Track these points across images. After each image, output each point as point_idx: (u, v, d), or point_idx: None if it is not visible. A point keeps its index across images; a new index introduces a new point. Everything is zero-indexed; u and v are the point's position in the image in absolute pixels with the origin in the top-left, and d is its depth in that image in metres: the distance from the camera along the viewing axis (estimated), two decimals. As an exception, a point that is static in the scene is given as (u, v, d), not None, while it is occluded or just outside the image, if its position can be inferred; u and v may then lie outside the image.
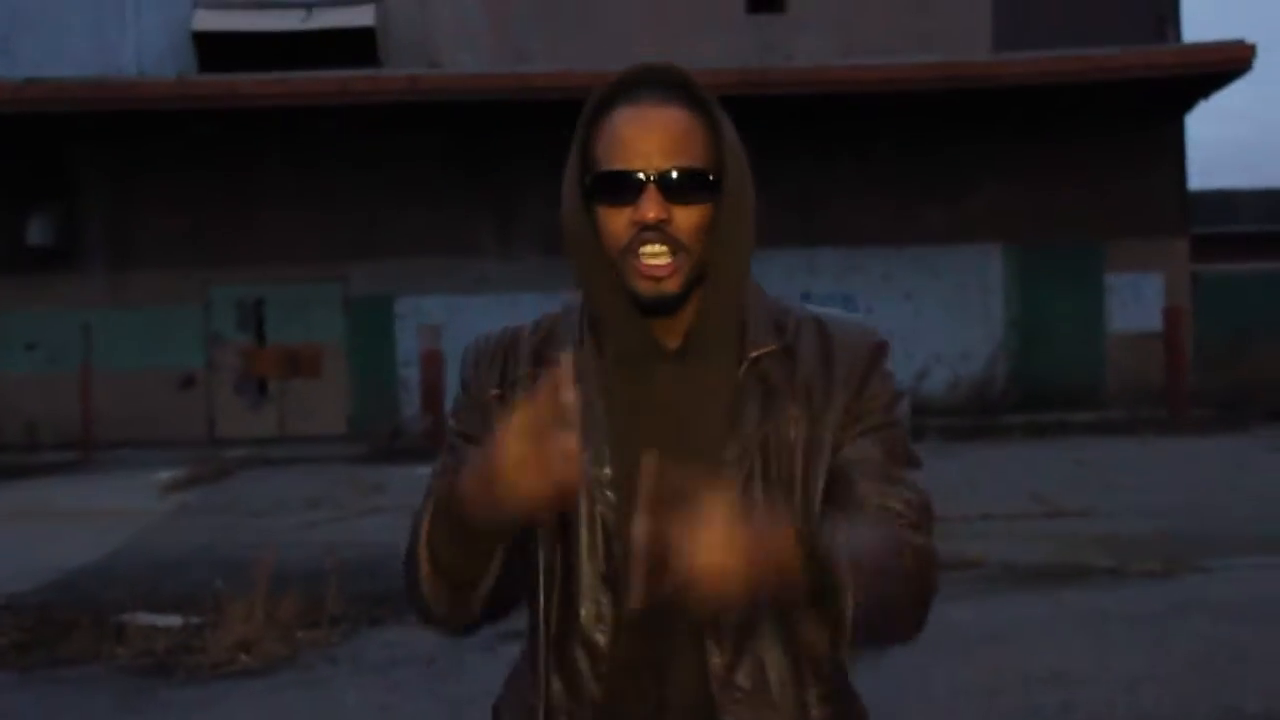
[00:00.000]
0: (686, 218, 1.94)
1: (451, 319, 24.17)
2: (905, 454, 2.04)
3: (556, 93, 22.96)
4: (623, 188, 1.94)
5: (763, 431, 1.98)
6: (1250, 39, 25.31)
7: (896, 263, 24.84)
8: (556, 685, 2.02)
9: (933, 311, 24.92)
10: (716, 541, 1.68)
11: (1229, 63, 22.92)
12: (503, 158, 24.57)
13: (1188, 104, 25.02)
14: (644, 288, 1.94)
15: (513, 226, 24.74)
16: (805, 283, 24.16)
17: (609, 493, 1.98)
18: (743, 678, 1.97)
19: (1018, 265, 24.98)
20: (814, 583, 1.80)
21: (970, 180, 24.82)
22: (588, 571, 1.99)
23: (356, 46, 24.97)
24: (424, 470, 14.46)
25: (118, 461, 20.75)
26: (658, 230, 1.93)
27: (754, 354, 2.01)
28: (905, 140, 24.68)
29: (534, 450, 1.68)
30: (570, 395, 1.67)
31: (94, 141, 24.38)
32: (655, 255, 1.93)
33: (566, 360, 1.71)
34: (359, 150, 24.50)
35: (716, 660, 1.97)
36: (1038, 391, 24.21)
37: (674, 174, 1.93)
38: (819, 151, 24.46)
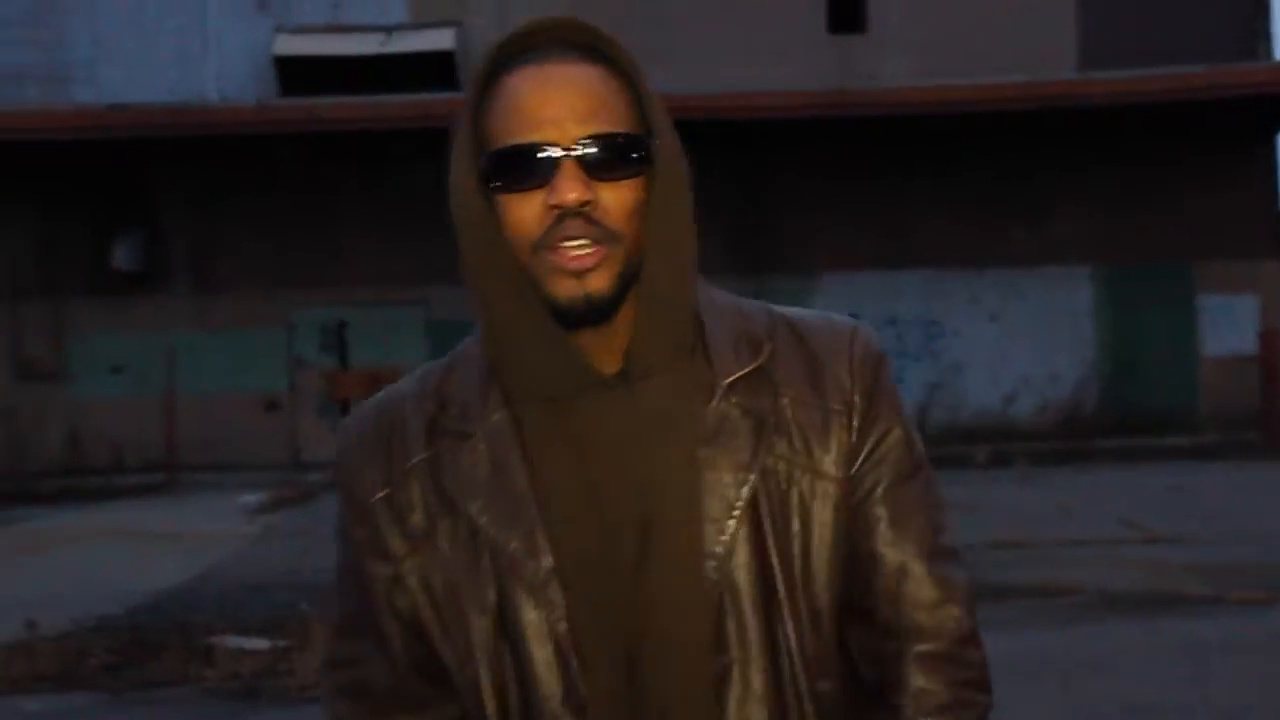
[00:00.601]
0: (616, 198, 1.52)
1: (532, 342, 24.17)
2: (939, 510, 1.66)
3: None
4: (531, 166, 1.51)
5: (750, 474, 1.57)
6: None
7: (981, 285, 24.59)
8: None
9: (1020, 335, 24.64)
10: None
11: (1322, 81, 22.60)
12: (583, 181, 24.54)
13: (1279, 123, 24.65)
14: (565, 289, 1.51)
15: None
16: (890, 306, 23.99)
17: (552, 593, 1.55)
18: None
19: (1106, 287, 24.66)
20: None
21: (1056, 201, 24.55)
22: (550, 699, 1.56)
23: (437, 70, 25.06)
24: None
25: (202, 484, 20.88)
26: (580, 216, 1.50)
27: (726, 380, 1.58)
28: (990, 161, 24.45)
29: None
30: None
31: (177, 166, 24.60)
32: (578, 246, 1.51)
33: None
34: (439, 173, 24.43)
35: None
36: (1129, 416, 23.86)
37: (596, 143, 1.51)
38: (902, 173, 24.28)
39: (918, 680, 1.59)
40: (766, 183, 24.38)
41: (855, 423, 1.61)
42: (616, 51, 1.58)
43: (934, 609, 1.60)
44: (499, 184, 1.55)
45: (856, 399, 1.62)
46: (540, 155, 1.51)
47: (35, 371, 24.46)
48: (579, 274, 1.51)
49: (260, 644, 8.43)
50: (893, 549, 1.61)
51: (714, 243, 25.96)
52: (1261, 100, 23.32)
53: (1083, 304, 24.80)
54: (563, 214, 1.50)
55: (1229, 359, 24.28)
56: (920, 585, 1.60)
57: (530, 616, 1.55)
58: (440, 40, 25.25)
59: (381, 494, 1.64)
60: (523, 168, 1.52)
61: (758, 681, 1.57)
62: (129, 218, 24.45)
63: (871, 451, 1.61)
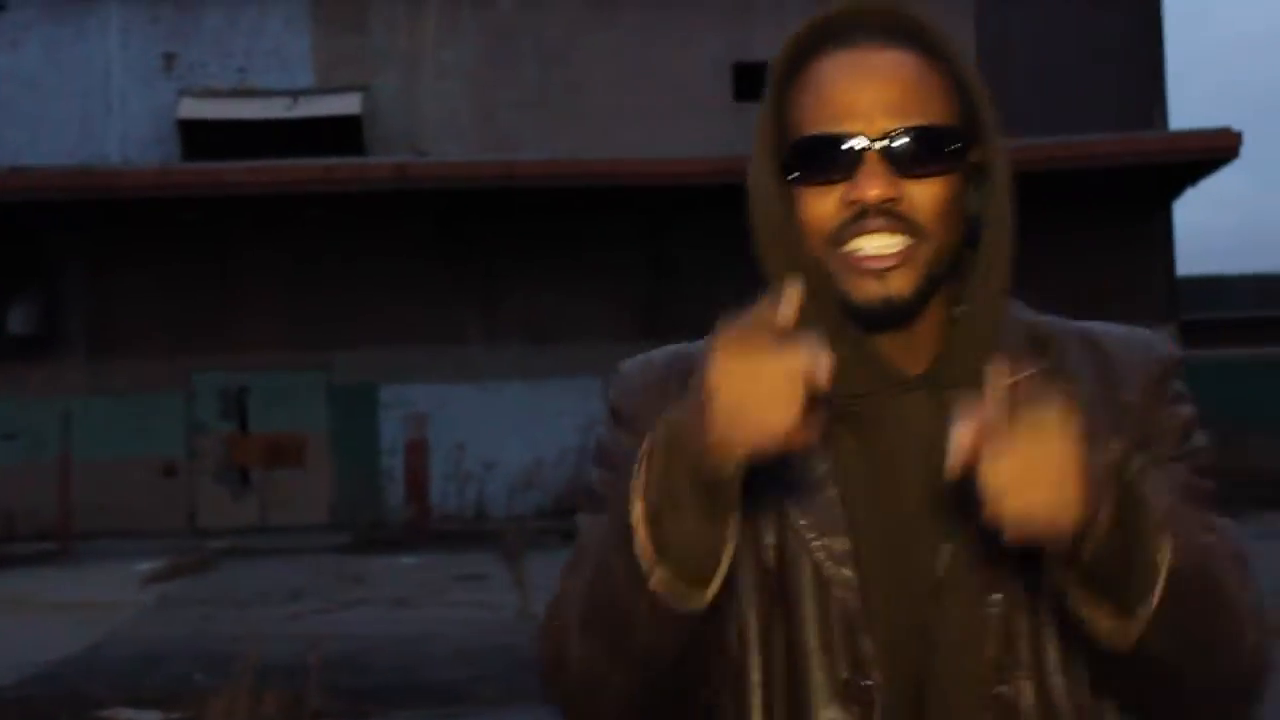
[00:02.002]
0: (924, 196, 1.43)
1: (436, 408, 24.07)
2: (1208, 493, 1.50)
3: (543, 180, 23.03)
4: (833, 157, 1.42)
5: None
6: (1244, 125, 25.40)
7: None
8: None
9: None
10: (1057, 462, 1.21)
11: (1216, 150, 23.04)
12: (488, 247, 24.56)
13: (1176, 190, 25.12)
14: (863, 289, 1.42)
15: (498, 315, 24.67)
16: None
17: (846, 570, 1.46)
18: None
19: (1005, 352, 24.96)
20: (1120, 528, 1.28)
21: (957, 267, 24.84)
22: (819, 679, 1.45)
23: (342, 135, 25.02)
24: (409, 559, 14.36)
25: (97, 552, 20.51)
26: (884, 212, 1.41)
27: (1012, 379, 1.31)
28: (891, 227, 24.72)
29: (753, 371, 1.25)
30: (790, 312, 1.24)
31: (77, 229, 24.31)
32: (879, 245, 1.42)
33: (792, 290, 1.25)
34: (344, 238, 24.47)
35: None
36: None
37: (906, 135, 1.42)
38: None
39: None
40: (671, 248, 24.48)
41: (1138, 417, 1.50)
42: (939, 38, 1.47)
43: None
44: (798, 175, 1.45)
45: (1145, 396, 1.52)
46: (844, 146, 1.42)
47: (-73, 437, 24.00)
48: (879, 273, 1.42)
49: (154, 716, 8.28)
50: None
51: (618, 308, 26.06)
52: (1157, 169, 23.75)
53: (984, 369, 25.08)
54: (864, 209, 1.41)
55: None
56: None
57: (815, 594, 1.46)
58: (346, 105, 25.21)
59: None
60: (824, 159, 1.43)
61: (1036, 699, 1.44)
62: (26, 280, 24.11)
63: (1149, 441, 1.48)
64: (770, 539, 1.48)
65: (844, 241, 1.42)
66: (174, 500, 24.30)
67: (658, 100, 25.51)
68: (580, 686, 1.49)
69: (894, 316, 1.45)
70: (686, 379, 1.38)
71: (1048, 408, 1.23)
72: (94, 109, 25.51)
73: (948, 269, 1.47)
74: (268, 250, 24.49)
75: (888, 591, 1.46)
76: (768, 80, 1.51)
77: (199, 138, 24.97)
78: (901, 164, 1.41)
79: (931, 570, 1.45)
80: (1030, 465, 1.21)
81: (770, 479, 1.40)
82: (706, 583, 1.35)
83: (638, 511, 1.34)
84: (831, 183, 1.42)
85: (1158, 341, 1.59)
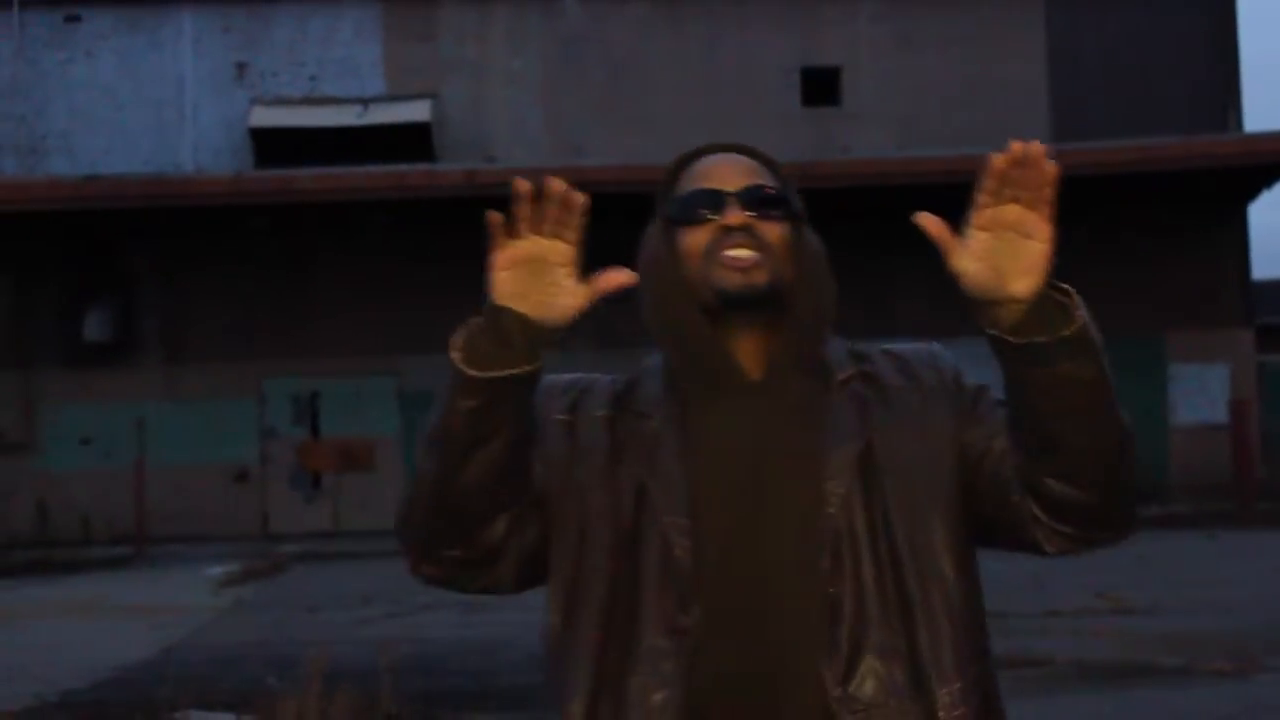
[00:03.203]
0: (769, 229, 2.04)
1: (506, 412, 24.13)
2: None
3: (612, 186, 23.01)
4: (707, 204, 2.04)
5: (862, 442, 2.03)
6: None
7: (955, 355, 24.57)
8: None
9: (991, 404, 24.67)
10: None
11: (1291, 152, 22.78)
12: (557, 251, 24.61)
13: (1251, 193, 24.84)
14: (731, 280, 2.01)
15: (567, 320, 24.71)
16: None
17: (685, 539, 1.99)
18: (861, 689, 1.94)
19: (1077, 357, 24.75)
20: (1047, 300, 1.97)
21: (1027, 272, 24.65)
22: (650, 614, 2.00)
23: (413, 142, 25.16)
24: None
25: (171, 556, 20.72)
26: (743, 231, 2.02)
27: (842, 376, 2.08)
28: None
29: (532, 280, 1.99)
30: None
31: (151, 237, 24.58)
32: (741, 250, 2.01)
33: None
34: (414, 244, 24.60)
35: (829, 674, 1.93)
36: (1100, 485, 23.83)
37: (755, 189, 2.05)
38: (877, 246, 24.38)
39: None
40: (740, 253, 24.47)
41: (951, 392, 2.12)
42: (769, 158, 2.13)
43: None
44: (680, 220, 2.07)
45: (946, 382, 2.13)
46: (713, 194, 2.05)
47: (4, 443, 24.31)
48: (743, 269, 2.00)
49: (226, 719, 8.34)
50: (995, 456, 2.05)
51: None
52: (1231, 172, 23.50)
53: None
54: (729, 230, 2.02)
55: (1200, 428, 24.34)
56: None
57: (652, 546, 2.00)
58: (417, 112, 25.37)
59: (561, 417, 2.12)
60: (699, 205, 2.05)
61: (874, 611, 1.97)
62: (102, 288, 24.41)
63: (972, 406, 2.10)
64: (629, 506, 2.02)
65: (715, 253, 2.02)
66: (246, 505, 24.51)
67: (725, 106, 25.48)
68: (415, 498, 2.08)
69: (753, 300, 2.01)
70: (592, 387, 2.14)
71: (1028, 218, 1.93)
72: (168, 118, 25.79)
73: (785, 288, 2.03)
74: (338, 256, 24.66)
75: (724, 547, 1.98)
76: (660, 182, 2.15)
77: (271, 145, 25.19)
78: (753, 206, 2.04)
79: (766, 524, 1.98)
80: (1004, 245, 1.96)
81: (634, 458, 2.03)
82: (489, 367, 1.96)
83: (455, 342, 2.02)
84: (706, 222, 2.04)
85: (939, 348, 2.22)
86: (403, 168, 23.43)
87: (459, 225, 24.62)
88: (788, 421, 2.02)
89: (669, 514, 2.00)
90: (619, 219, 25.29)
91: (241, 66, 25.86)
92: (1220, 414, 23.68)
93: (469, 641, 11.79)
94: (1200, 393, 24.60)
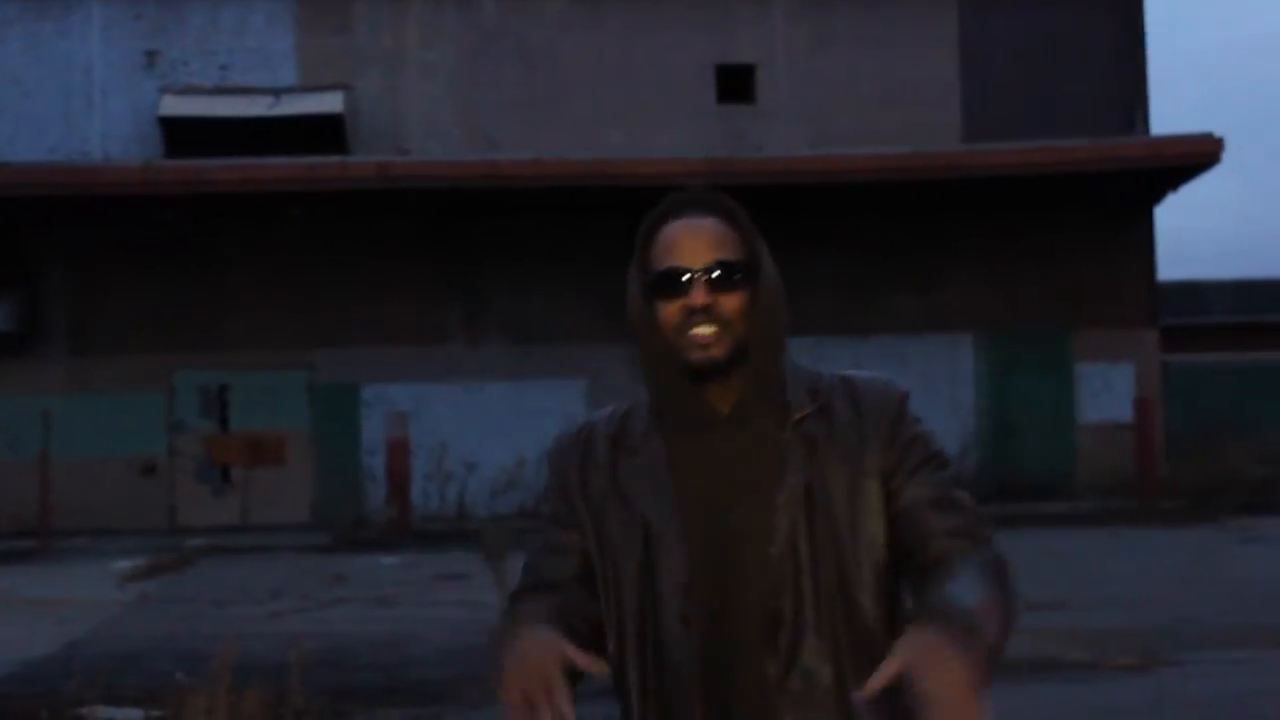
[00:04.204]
0: (728, 302, 2.35)
1: (418, 407, 24.05)
2: (948, 475, 2.42)
3: (526, 180, 23.02)
4: (676, 282, 2.36)
5: (806, 479, 2.35)
6: (1227, 131, 25.47)
7: (865, 352, 24.76)
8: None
9: (902, 401, 24.81)
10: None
11: (1197, 156, 23.10)
12: (471, 245, 24.55)
13: (1157, 196, 25.19)
14: (696, 356, 2.35)
15: (481, 314, 24.67)
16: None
17: (678, 552, 2.37)
18: (793, 684, 2.33)
19: (988, 355, 25.01)
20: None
21: (940, 270, 24.89)
22: (668, 616, 2.40)
23: (325, 133, 24.97)
24: (389, 560, 14.33)
25: (77, 550, 20.46)
26: (705, 312, 2.34)
27: (796, 416, 2.39)
28: (874, 231, 24.76)
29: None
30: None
31: (58, 226, 24.25)
32: (704, 331, 2.34)
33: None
34: (326, 237, 24.44)
35: (771, 671, 2.34)
36: (1008, 482, 24.11)
37: (715, 268, 2.35)
38: (788, 242, 24.47)
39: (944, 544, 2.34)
40: (654, 249, 24.47)
41: (887, 435, 2.40)
42: (732, 209, 2.43)
43: (966, 538, 2.35)
44: (655, 294, 2.39)
45: (885, 424, 2.40)
46: (681, 277, 2.36)
47: (-93, 434, 23.90)
48: (705, 346, 2.34)
49: (133, 715, 8.26)
50: (931, 514, 2.36)
51: (601, 308, 25.99)
52: (1140, 174, 23.82)
53: (964, 371, 25.12)
54: (693, 311, 2.34)
55: (1105, 427, 24.67)
56: (937, 515, 2.36)
57: (664, 565, 2.38)
58: (329, 103, 25.17)
59: (577, 480, 2.50)
60: (670, 284, 2.37)
61: (810, 621, 2.34)
62: (7, 278, 24.04)
63: (901, 453, 2.39)
64: (640, 541, 2.41)
65: (684, 330, 2.35)
66: (154, 498, 24.25)
67: (641, 101, 25.51)
68: None
69: (715, 369, 2.36)
70: (593, 443, 2.51)
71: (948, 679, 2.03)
72: (76, 106, 25.43)
73: (744, 344, 2.37)
74: (249, 248, 24.45)
75: (706, 555, 2.37)
76: (637, 239, 2.45)
77: (181, 135, 24.91)
78: (714, 284, 2.35)
79: (728, 545, 2.36)
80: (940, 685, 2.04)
81: (637, 496, 2.42)
82: None
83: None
84: (675, 296, 2.36)
85: (891, 384, 2.47)
86: (315, 160, 23.24)
87: (372, 217, 24.58)
88: (748, 456, 2.39)
89: (670, 543, 2.39)
90: (532, 214, 25.19)
91: (152, 55, 25.54)
92: (1125, 413, 24.01)
93: (378, 636, 11.73)
94: (1106, 392, 24.93)
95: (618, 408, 2.58)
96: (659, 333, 2.40)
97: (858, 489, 2.38)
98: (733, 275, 2.37)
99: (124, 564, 17.60)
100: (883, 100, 25.64)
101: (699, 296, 2.34)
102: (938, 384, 24.90)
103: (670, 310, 2.37)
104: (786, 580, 2.36)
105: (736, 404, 2.41)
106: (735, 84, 25.99)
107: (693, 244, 2.38)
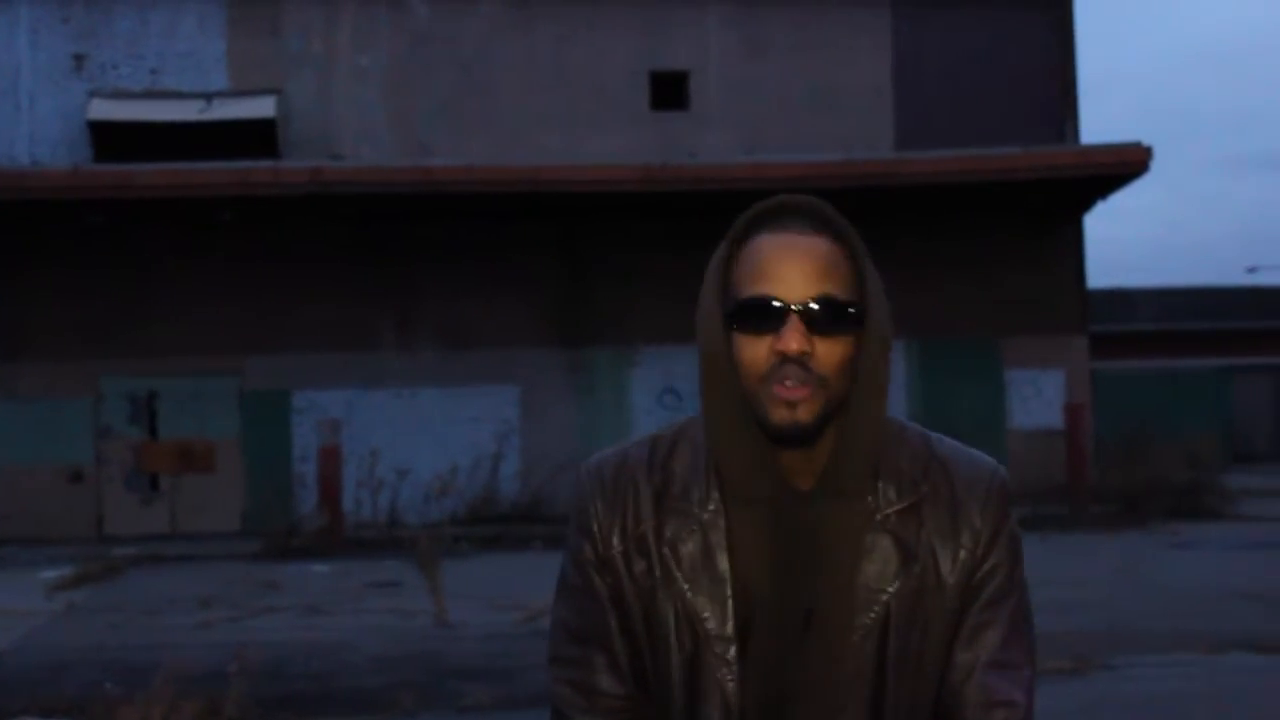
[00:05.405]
0: (829, 352, 1.90)
1: (350, 414, 23.90)
2: (1023, 627, 2.06)
3: (459, 185, 22.95)
4: (765, 315, 1.90)
5: (888, 596, 1.98)
6: (1155, 140, 25.74)
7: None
8: None
9: (834, 407, 24.93)
10: None
11: (1126, 164, 23.32)
12: (403, 251, 24.44)
13: (1086, 204, 25.42)
14: (778, 415, 1.89)
15: (412, 320, 24.56)
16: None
17: (729, 658, 1.99)
18: None
19: (919, 361, 25.15)
20: None
21: (871, 277, 24.97)
22: (712, 708, 2.01)
23: (256, 138, 24.79)
24: (320, 568, 14.19)
25: (3, 560, 20.19)
26: (798, 362, 1.88)
27: (886, 511, 1.99)
28: (806, 237, 24.81)
29: None
30: None
31: (-16, 231, 23.94)
32: (793, 385, 1.88)
33: None
34: (257, 242, 24.26)
35: None
36: (940, 488, 24.19)
37: (818, 304, 1.89)
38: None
39: None
40: (587, 254, 24.48)
41: (978, 554, 2.02)
42: (844, 229, 1.97)
43: (981, 709, 2.00)
44: (738, 325, 1.92)
45: (982, 538, 2.02)
46: (774, 306, 1.89)
47: None
48: (791, 405, 1.88)
49: (61, 725, 8.14)
50: (965, 653, 2.02)
51: (534, 314, 26.00)
52: (1069, 182, 24.03)
53: (896, 378, 25.25)
54: (785, 358, 1.87)
55: (1036, 433, 24.88)
56: (974, 688, 2.00)
57: (710, 671, 1.98)
58: (261, 108, 24.99)
59: (619, 549, 2.03)
60: (759, 315, 1.90)
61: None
62: (-69, 283, 23.71)
63: (982, 578, 2.02)
64: (686, 626, 2.00)
65: (768, 380, 1.89)
66: (81, 507, 23.97)
67: (574, 107, 25.49)
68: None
69: (800, 436, 1.91)
70: (634, 494, 2.04)
71: None
72: (3, 109, 25.11)
73: (840, 405, 1.93)
74: (179, 254, 24.22)
75: (765, 660, 2.00)
76: (723, 243, 2.01)
77: (110, 139, 24.65)
78: (814, 325, 1.89)
79: (797, 640, 1.99)
80: None
81: (684, 572, 2.00)
82: None
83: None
84: (763, 333, 1.90)
85: (993, 474, 2.07)
86: (246, 164, 23.06)
87: (303, 223, 24.41)
88: (826, 545, 1.98)
89: (718, 644, 2.01)
90: (464, 219, 25.12)
91: (80, 58, 25.27)
92: (1055, 419, 24.23)
93: (310, 644, 11.64)
94: (1036, 398, 25.14)
95: (660, 437, 2.11)
96: (736, 373, 1.93)
97: (938, 606, 2.01)
98: (839, 317, 1.91)
99: (51, 573, 17.38)
100: (816, 107, 25.74)
101: (794, 341, 1.87)
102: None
103: (754, 351, 1.90)
104: (853, 702, 1.99)
105: (822, 478, 1.97)
106: (669, 90, 26.02)
107: (794, 269, 1.91)
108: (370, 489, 23.48)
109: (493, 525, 22.10)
